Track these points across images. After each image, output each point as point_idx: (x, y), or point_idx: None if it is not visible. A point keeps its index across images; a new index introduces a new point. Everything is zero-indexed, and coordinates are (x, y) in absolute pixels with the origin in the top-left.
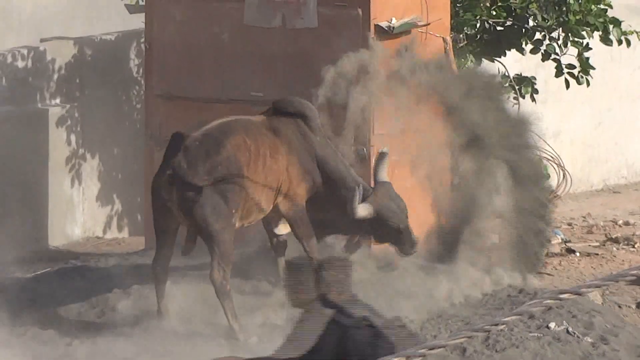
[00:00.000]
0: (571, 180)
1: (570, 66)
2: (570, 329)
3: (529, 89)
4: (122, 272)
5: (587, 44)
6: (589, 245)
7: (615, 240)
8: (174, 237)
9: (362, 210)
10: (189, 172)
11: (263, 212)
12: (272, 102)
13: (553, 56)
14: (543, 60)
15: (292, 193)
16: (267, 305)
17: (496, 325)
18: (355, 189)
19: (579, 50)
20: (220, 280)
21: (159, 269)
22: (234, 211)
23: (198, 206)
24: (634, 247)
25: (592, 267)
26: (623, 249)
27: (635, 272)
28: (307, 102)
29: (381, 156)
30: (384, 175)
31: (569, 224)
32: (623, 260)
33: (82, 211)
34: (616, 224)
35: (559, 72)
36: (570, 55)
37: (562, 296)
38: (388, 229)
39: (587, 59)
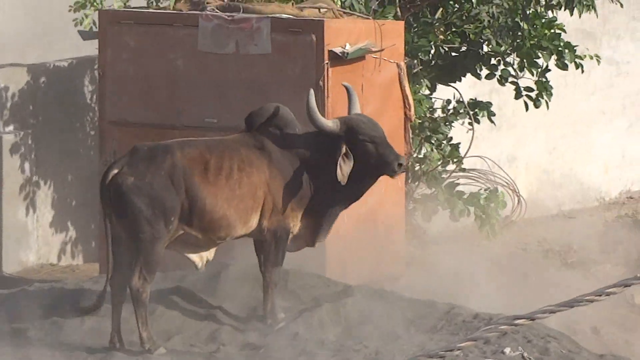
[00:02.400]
0: (526, 205)
1: (529, 89)
2: (525, 355)
3: (485, 112)
4: (76, 298)
5: (547, 66)
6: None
7: (571, 265)
8: (127, 250)
9: (330, 123)
10: (128, 171)
11: (234, 227)
12: (244, 118)
13: (510, 79)
14: (500, 84)
15: (277, 210)
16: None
17: (451, 350)
18: (309, 94)
19: (537, 73)
20: (138, 288)
21: (115, 284)
22: (172, 219)
23: (130, 210)
24: (588, 271)
25: (547, 291)
26: (578, 273)
27: (589, 297)
28: (272, 104)
29: (349, 92)
30: (358, 108)
31: (524, 249)
32: (578, 285)
33: (36, 238)
34: (571, 248)
35: (518, 95)
36: (527, 79)
37: (517, 322)
38: (364, 147)
39: (546, 81)
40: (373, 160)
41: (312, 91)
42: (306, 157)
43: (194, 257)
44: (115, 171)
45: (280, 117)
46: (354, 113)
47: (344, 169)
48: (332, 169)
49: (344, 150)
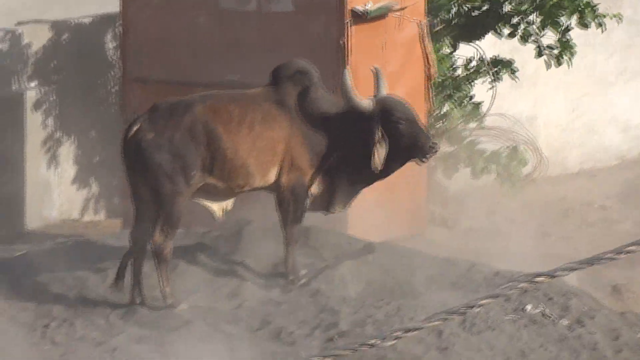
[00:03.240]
0: (547, 163)
1: (550, 47)
2: (546, 312)
3: (508, 70)
4: (98, 254)
5: (568, 25)
6: (565, 229)
7: (591, 224)
8: (149, 206)
9: (365, 103)
10: (148, 128)
11: (253, 177)
12: (271, 71)
13: (532, 38)
14: (522, 42)
15: (296, 166)
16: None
17: (472, 307)
18: (344, 74)
19: (558, 32)
20: (160, 244)
21: (136, 240)
22: (192, 174)
23: (150, 165)
24: (609, 229)
25: (568, 250)
26: (598, 231)
27: (610, 255)
28: (300, 60)
29: (377, 74)
30: (385, 90)
31: (545, 207)
32: (598, 243)
33: (58, 194)
34: (592, 207)
35: (539, 53)
36: (548, 37)
37: (538, 279)
38: (397, 129)
39: (568, 40)
40: (405, 142)
41: (347, 70)
42: (332, 124)
43: (213, 206)
44: (136, 127)
45: (306, 74)
46: (384, 94)
47: (380, 154)
48: (358, 145)
49: (379, 135)
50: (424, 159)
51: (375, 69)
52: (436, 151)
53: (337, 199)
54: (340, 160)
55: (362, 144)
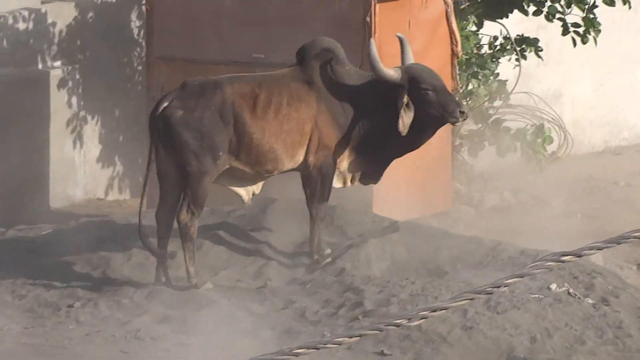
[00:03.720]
0: (572, 141)
1: (576, 25)
2: (571, 291)
3: (532, 48)
4: (123, 233)
5: (594, 2)
6: (591, 207)
7: (617, 202)
8: (175, 185)
9: (392, 72)
10: (177, 105)
11: (281, 161)
12: (297, 51)
13: (558, 15)
14: (548, 20)
15: (324, 145)
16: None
17: (498, 287)
18: (370, 44)
19: (584, 9)
20: (186, 222)
21: (161, 219)
22: (220, 154)
23: (178, 143)
24: (635, 208)
25: (593, 229)
26: (624, 210)
27: (637, 234)
28: (326, 38)
29: (402, 42)
30: (411, 59)
31: (570, 186)
32: (624, 222)
33: (83, 173)
34: (617, 185)
35: (565, 31)
36: (574, 15)
37: (563, 258)
38: (426, 96)
39: (594, 17)
40: (434, 110)
41: (372, 41)
42: (359, 98)
43: (240, 190)
44: (165, 104)
45: (332, 52)
46: (411, 62)
47: (405, 119)
48: (387, 115)
49: (405, 100)
50: (454, 123)
51: (400, 37)
52: (466, 117)
53: (368, 174)
54: (371, 131)
55: (391, 114)
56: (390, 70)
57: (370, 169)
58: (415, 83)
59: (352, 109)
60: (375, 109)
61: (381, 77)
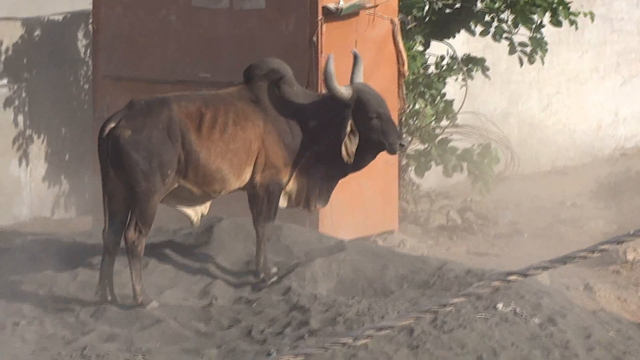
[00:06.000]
0: (519, 161)
1: (523, 44)
2: (517, 310)
3: (479, 68)
4: (69, 252)
5: (541, 22)
6: (537, 227)
7: (563, 222)
8: (122, 204)
9: (343, 90)
10: (125, 125)
11: (228, 181)
12: (243, 71)
13: (505, 35)
14: (495, 40)
15: (270, 164)
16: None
17: (444, 306)
18: (328, 59)
19: (531, 29)
20: (133, 241)
21: (108, 238)
22: (168, 172)
23: (127, 163)
24: (581, 228)
25: (539, 248)
26: (571, 230)
27: (583, 254)
28: (273, 59)
29: (355, 59)
30: (361, 78)
31: (517, 205)
32: (570, 242)
33: (29, 191)
34: (564, 205)
35: (512, 50)
36: (521, 35)
37: (510, 278)
38: (370, 122)
39: (541, 37)
40: (375, 136)
41: (331, 56)
42: (306, 118)
43: (188, 211)
44: (113, 125)
45: (279, 73)
46: (359, 82)
47: (350, 148)
48: (333, 135)
49: (349, 129)
50: (392, 154)
51: (355, 54)
52: (405, 149)
53: (315, 195)
54: (317, 151)
55: (336, 135)
56: (342, 88)
57: (316, 189)
58: (362, 106)
59: (299, 128)
60: (321, 129)
61: (334, 94)
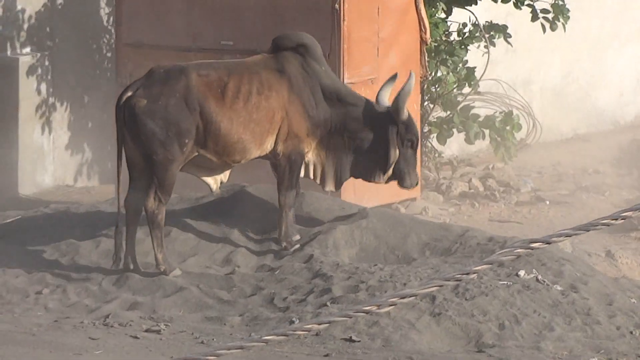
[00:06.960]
0: (541, 128)
1: (545, 11)
2: (539, 277)
3: (501, 35)
4: (92, 220)
5: None
6: (559, 194)
7: (585, 189)
8: (142, 172)
9: (406, 112)
10: (142, 94)
11: (249, 151)
12: (272, 39)
13: (527, 2)
14: (516, 7)
15: (293, 134)
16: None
17: (467, 274)
18: (410, 75)
19: None
20: (153, 210)
21: (130, 205)
22: (186, 141)
23: (144, 132)
24: (603, 195)
25: (562, 215)
26: (593, 197)
27: (605, 221)
28: (305, 34)
29: (410, 76)
30: (405, 93)
31: (539, 173)
32: (593, 209)
33: (52, 160)
34: (586, 172)
35: (534, 17)
36: (543, 2)
37: (532, 245)
38: (407, 146)
39: (563, 4)
40: (401, 163)
41: (413, 74)
42: (330, 101)
43: (208, 179)
44: (130, 93)
45: (309, 48)
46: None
47: (392, 159)
48: (374, 139)
49: (398, 151)
50: (401, 186)
51: (411, 74)
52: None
53: (331, 176)
54: (353, 147)
55: (375, 141)
56: (406, 112)
57: (332, 170)
58: (407, 131)
59: (324, 104)
60: (345, 118)
61: (397, 114)
